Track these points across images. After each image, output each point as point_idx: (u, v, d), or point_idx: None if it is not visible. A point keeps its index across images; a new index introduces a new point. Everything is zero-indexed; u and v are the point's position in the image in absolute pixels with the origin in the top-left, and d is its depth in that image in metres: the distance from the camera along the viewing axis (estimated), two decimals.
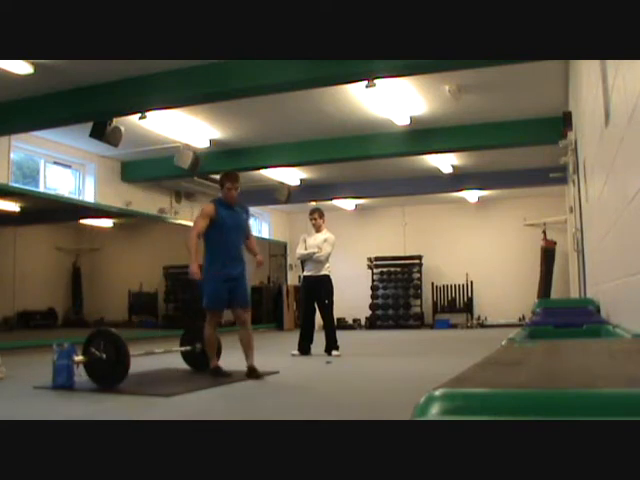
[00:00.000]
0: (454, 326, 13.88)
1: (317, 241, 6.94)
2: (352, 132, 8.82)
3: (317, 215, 7.06)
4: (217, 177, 11.04)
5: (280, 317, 14.10)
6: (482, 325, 13.69)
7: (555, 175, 9.62)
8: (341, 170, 11.02)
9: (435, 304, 14.34)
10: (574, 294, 9.50)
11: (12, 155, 8.50)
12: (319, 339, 6.90)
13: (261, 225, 15.55)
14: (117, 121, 7.43)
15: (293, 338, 7.41)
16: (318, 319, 6.97)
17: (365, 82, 6.31)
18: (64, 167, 9.69)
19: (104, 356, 4.20)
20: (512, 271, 13.75)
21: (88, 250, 9.75)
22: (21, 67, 5.94)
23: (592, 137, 3.88)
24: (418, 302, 14.44)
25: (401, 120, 8.07)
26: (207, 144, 9.05)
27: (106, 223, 10.13)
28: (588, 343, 1.81)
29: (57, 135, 8.66)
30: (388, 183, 12.02)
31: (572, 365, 1.17)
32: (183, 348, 5.18)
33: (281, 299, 14.22)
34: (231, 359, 5.24)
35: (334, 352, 6.67)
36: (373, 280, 14.76)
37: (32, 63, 5.95)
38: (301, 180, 11.70)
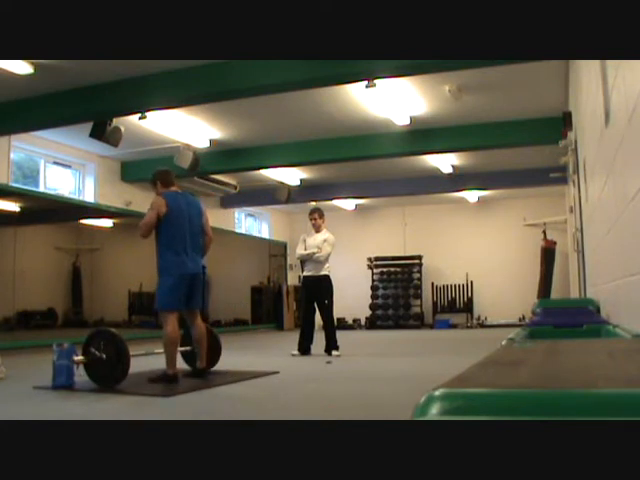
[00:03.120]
0: (454, 326, 13.88)
1: (317, 241, 6.94)
2: (352, 132, 8.83)
3: (317, 215, 7.05)
4: (217, 177, 11.11)
5: (280, 317, 14.10)
6: (482, 325, 13.69)
7: (555, 175, 9.62)
8: (341, 170, 11.03)
9: (435, 304, 14.34)
10: (574, 294, 9.50)
11: (12, 155, 8.50)
12: (319, 339, 6.90)
13: (261, 225, 15.56)
14: (117, 121, 7.43)
15: (293, 338, 7.41)
16: (318, 319, 6.97)
17: (365, 82, 6.31)
18: (64, 167, 9.70)
19: (104, 356, 4.20)
20: (512, 271, 13.75)
21: (88, 250, 9.75)
22: (21, 67, 5.94)
23: (592, 137, 3.88)
24: (418, 302, 14.44)
25: (401, 120, 8.07)
26: (207, 144, 9.05)
27: (106, 223, 10.13)
28: (588, 343, 1.81)
29: (57, 135, 8.66)
30: (388, 183, 12.03)
31: (572, 365, 1.17)
32: (183, 348, 5.16)
33: (281, 299, 14.22)
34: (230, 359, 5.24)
35: (334, 352, 6.67)
36: (373, 280, 14.76)
37: (32, 63, 5.95)
38: (301, 180, 11.70)
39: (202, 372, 4.73)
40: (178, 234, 4.63)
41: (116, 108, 6.87)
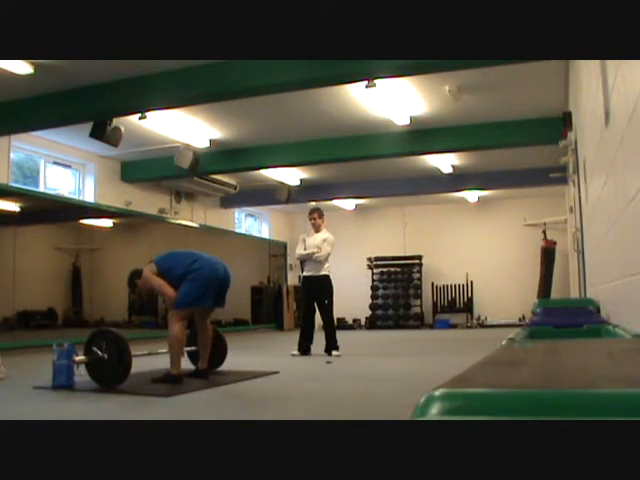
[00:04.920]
0: (454, 326, 13.88)
1: (316, 241, 6.94)
2: (352, 132, 8.83)
3: (317, 215, 7.05)
4: (217, 177, 11.11)
5: (280, 317, 14.10)
6: (482, 325, 13.69)
7: (555, 175, 9.62)
8: (341, 170, 11.02)
9: (435, 304, 14.34)
10: (574, 294, 9.50)
11: (12, 155, 8.50)
12: (319, 339, 6.90)
13: (261, 225, 15.55)
14: (117, 121, 7.43)
15: (293, 338, 7.41)
16: (318, 319, 6.97)
17: (365, 82, 6.31)
18: (64, 167, 9.69)
19: (106, 356, 4.20)
20: (512, 271, 13.75)
21: (88, 250, 9.75)
22: (21, 67, 5.94)
23: (592, 137, 3.88)
24: (418, 302, 14.44)
25: (401, 120, 8.07)
26: (207, 144, 9.05)
27: (106, 223, 10.12)
28: (588, 343, 1.81)
29: (57, 135, 8.66)
30: (388, 183, 12.02)
31: (572, 365, 1.17)
32: (189, 348, 5.12)
33: (281, 299, 14.22)
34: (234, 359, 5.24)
35: (334, 352, 6.67)
36: (373, 280, 14.76)
37: (32, 63, 5.95)
38: (301, 180, 11.71)
39: (204, 373, 4.73)
40: (184, 253, 4.75)
41: (116, 108, 6.87)
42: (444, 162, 10.54)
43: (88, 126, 7.31)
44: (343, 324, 13.84)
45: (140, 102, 6.72)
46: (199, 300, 4.55)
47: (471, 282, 14.07)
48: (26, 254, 8.25)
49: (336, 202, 13.49)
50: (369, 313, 14.58)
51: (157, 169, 10.09)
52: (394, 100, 7.36)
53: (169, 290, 4.51)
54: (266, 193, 11.93)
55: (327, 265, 6.94)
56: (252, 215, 15.19)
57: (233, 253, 12.98)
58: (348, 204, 14.11)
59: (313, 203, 11.51)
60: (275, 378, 4.84)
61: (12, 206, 8.15)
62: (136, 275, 4.73)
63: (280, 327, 13.91)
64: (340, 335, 7.01)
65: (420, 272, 14.50)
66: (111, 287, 9.89)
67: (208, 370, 4.80)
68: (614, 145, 2.62)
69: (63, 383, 4.19)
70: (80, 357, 4.26)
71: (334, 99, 7.42)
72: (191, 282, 4.50)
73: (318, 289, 6.88)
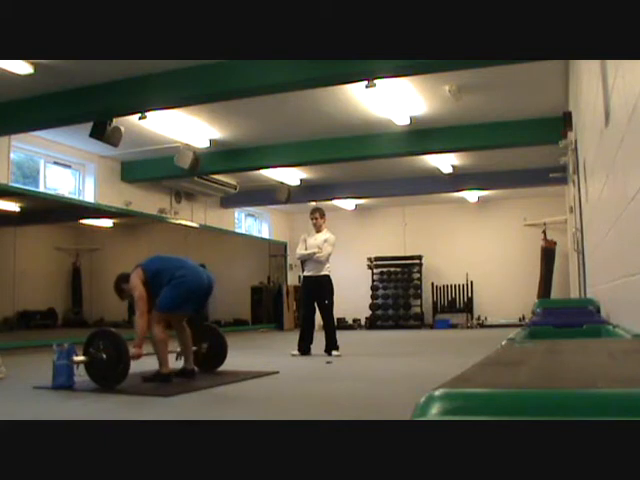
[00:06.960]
0: (454, 326, 13.88)
1: (317, 241, 6.93)
2: (352, 132, 8.82)
3: (318, 215, 7.05)
4: (217, 177, 11.11)
5: (280, 317, 14.10)
6: (482, 325, 13.69)
7: (555, 175, 9.62)
8: (341, 170, 11.02)
9: (435, 304, 14.34)
10: (574, 294, 9.50)
11: (12, 155, 8.50)
12: (319, 339, 6.90)
13: (261, 225, 15.55)
14: (117, 121, 7.43)
15: (293, 338, 7.41)
16: (318, 319, 6.97)
17: (365, 82, 6.31)
18: (64, 167, 9.69)
19: (104, 356, 4.20)
20: (512, 271, 13.75)
21: (88, 250, 9.75)
22: (21, 67, 5.94)
23: (592, 137, 3.88)
24: (418, 302, 14.44)
25: (401, 120, 8.07)
26: (207, 144, 9.05)
27: (106, 223, 10.12)
28: (588, 343, 1.81)
29: (57, 135, 8.66)
30: (388, 183, 12.02)
31: (572, 365, 1.17)
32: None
33: (281, 299, 14.22)
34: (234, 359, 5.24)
35: (334, 352, 6.67)
36: (373, 280, 14.76)
37: (32, 63, 5.95)
38: (301, 180, 11.70)
39: (190, 372, 4.77)
40: (171, 258, 4.82)
41: (116, 108, 6.87)
42: (444, 162, 10.54)
43: (88, 126, 7.30)
44: (343, 324, 13.84)
45: (140, 102, 6.72)
46: (180, 307, 4.61)
47: (471, 282, 14.06)
48: (26, 254, 8.25)
49: (336, 202, 13.48)
50: (369, 313, 14.58)
51: (157, 169, 10.09)
52: (394, 100, 7.36)
53: (143, 311, 4.50)
54: (266, 193, 11.93)
55: (328, 265, 6.94)
56: (252, 215, 15.19)
57: (233, 253, 12.99)
58: (348, 204, 14.11)
59: (313, 203, 11.51)
60: (275, 378, 4.84)
61: (12, 206, 8.16)
62: (123, 279, 4.69)
63: (280, 327, 13.91)
64: (340, 335, 7.01)
65: (420, 272, 14.50)
66: (111, 287, 9.88)
67: (193, 371, 4.84)
68: (614, 145, 2.62)
69: (63, 383, 4.19)
70: (79, 357, 4.26)
71: (334, 99, 7.42)
72: (174, 287, 4.53)
73: (318, 289, 6.88)
